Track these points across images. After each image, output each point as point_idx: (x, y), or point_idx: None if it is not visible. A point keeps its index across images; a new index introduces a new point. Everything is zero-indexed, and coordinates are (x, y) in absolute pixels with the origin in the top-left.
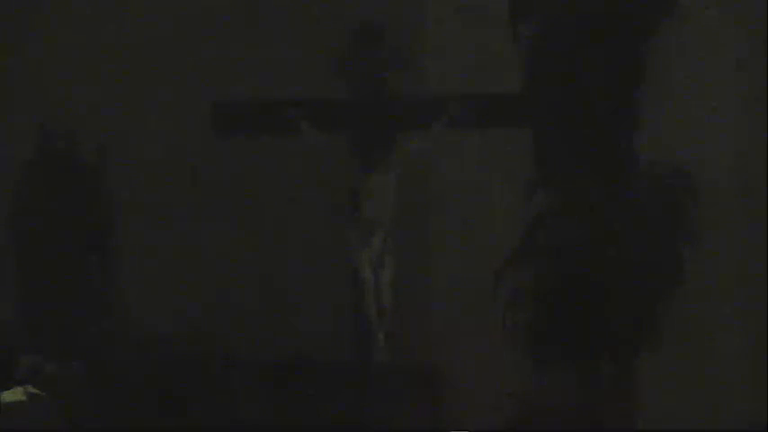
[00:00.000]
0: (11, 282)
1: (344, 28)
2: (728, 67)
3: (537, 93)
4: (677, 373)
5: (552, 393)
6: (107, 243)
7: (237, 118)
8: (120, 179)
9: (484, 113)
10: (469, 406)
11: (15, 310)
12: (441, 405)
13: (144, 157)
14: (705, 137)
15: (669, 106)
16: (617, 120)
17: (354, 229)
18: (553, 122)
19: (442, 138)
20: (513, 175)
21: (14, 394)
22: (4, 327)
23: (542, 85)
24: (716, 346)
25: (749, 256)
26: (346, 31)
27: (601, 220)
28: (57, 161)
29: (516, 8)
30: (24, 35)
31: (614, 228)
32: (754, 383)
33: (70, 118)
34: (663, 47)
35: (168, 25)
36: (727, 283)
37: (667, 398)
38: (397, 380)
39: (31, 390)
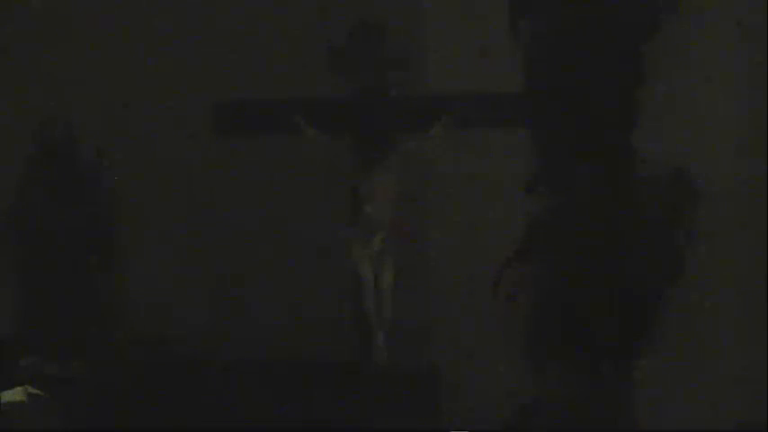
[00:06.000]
0: (11, 282)
1: (345, 27)
2: (729, 67)
3: (537, 92)
4: (677, 373)
5: (552, 393)
6: (107, 243)
7: (237, 118)
8: (120, 179)
9: (484, 113)
10: (469, 406)
11: (16, 310)
12: (441, 405)
13: (144, 157)
14: (705, 137)
15: (669, 106)
16: (617, 119)
17: (354, 229)
18: (553, 122)
19: (443, 138)
20: (513, 175)
21: (14, 394)
22: (4, 327)
23: (542, 84)
24: (716, 346)
25: (749, 256)
26: (346, 31)
27: (601, 220)
28: (57, 161)
29: (516, 7)
30: (24, 35)
31: (614, 228)
32: (754, 383)
33: (70, 118)
34: (663, 46)
35: (168, 25)
36: (727, 283)
37: (667, 398)
38: (397, 380)
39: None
